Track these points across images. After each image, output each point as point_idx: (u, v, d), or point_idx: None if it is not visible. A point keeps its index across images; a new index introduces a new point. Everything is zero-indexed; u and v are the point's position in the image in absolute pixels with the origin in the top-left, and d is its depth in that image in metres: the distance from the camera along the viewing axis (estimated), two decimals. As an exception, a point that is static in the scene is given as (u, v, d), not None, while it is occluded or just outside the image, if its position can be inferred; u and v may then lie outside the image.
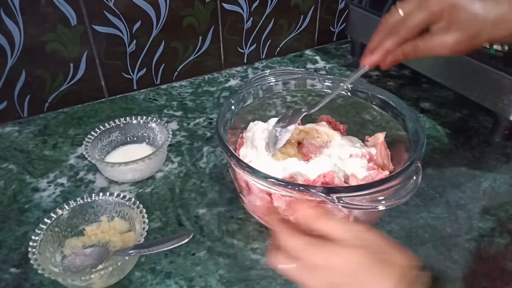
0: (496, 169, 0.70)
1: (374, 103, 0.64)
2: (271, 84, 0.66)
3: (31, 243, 0.50)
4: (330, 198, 0.44)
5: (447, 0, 0.46)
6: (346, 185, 0.54)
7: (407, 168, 0.48)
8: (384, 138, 0.61)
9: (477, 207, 0.63)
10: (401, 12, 0.49)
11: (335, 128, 0.66)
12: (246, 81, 0.67)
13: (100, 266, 0.49)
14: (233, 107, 0.61)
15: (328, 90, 0.66)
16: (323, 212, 0.38)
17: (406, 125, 0.58)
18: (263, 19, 0.97)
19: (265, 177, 0.48)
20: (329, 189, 0.46)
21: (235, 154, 0.52)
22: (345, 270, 0.35)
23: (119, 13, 0.80)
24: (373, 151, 0.59)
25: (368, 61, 0.53)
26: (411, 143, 0.55)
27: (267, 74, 0.66)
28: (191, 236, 0.47)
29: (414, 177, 0.47)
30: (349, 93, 0.66)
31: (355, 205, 0.45)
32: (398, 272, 0.34)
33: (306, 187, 0.46)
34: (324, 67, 1.00)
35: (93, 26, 0.79)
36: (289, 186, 0.47)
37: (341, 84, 0.61)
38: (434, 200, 0.64)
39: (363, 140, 0.65)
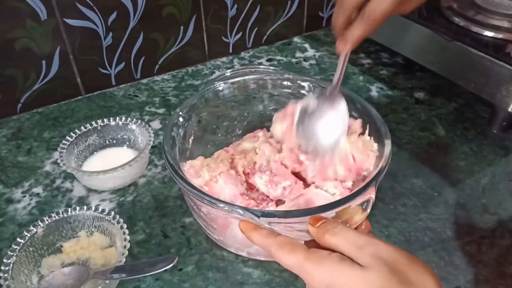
0: (495, 163, 0.67)
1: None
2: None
3: (2, 267, 0.46)
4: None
5: None
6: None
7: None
8: None
9: (477, 206, 0.60)
10: None
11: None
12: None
13: (78, 291, 0.46)
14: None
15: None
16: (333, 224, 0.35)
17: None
18: (248, 6, 0.91)
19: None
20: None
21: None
22: None
23: (92, 4, 0.74)
24: None
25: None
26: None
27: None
28: (175, 261, 0.43)
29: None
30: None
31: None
32: None
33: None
34: (314, 55, 0.95)
35: (65, 19, 0.73)
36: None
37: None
38: (433, 199, 0.61)
39: None
